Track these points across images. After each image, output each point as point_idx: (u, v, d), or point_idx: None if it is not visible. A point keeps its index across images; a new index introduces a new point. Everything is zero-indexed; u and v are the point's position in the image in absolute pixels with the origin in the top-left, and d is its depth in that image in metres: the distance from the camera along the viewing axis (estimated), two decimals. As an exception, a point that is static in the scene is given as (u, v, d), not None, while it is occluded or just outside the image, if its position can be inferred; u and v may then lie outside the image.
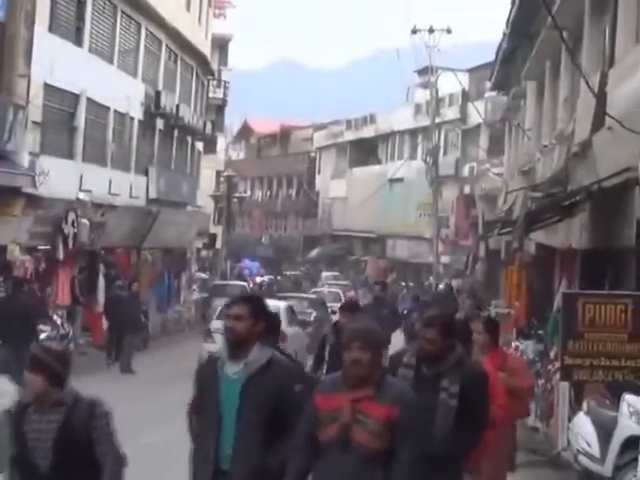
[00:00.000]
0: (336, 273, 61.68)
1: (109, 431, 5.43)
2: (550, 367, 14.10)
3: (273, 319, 7.61)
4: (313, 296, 34.83)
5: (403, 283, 53.04)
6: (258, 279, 50.09)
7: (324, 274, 59.72)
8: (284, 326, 21.31)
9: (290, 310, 23.91)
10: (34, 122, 22.62)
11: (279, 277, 55.03)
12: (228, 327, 5.88)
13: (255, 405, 5.69)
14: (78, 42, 26.21)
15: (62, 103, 25.26)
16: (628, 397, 10.03)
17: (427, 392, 6.27)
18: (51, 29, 23.96)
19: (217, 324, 20.03)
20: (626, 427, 9.81)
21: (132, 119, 31.18)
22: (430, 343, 6.48)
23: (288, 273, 58.88)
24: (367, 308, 18.18)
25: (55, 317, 22.27)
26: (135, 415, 14.47)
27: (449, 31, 44.68)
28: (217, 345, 18.69)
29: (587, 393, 12.07)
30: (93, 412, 5.39)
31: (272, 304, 22.47)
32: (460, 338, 8.73)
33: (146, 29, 32.34)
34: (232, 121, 73.98)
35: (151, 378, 21.75)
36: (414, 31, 44.39)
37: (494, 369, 8.07)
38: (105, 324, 25.01)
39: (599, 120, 14.35)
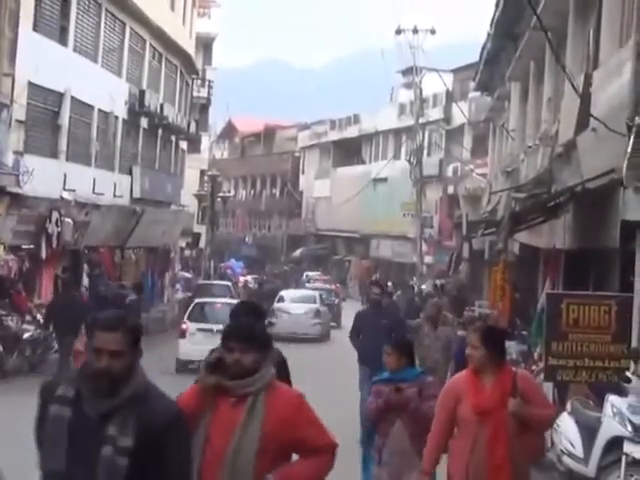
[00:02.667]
0: (318, 273, 61.68)
1: None
2: (534, 367, 14.13)
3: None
4: (335, 288, 48.36)
5: (390, 283, 52.94)
6: (242, 279, 50.02)
7: (308, 274, 59.65)
8: (319, 306, 34.48)
9: (320, 296, 36.44)
10: (18, 121, 22.56)
11: (265, 277, 54.91)
12: None
13: None
14: (62, 41, 26.15)
15: (46, 102, 25.18)
16: (612, 398, 10.06)
17: (90, 444, 4.01)
18: (35, 28, 23.90)
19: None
20: (610, 428, 9.84)
21: (116, 118, 31.11)
22: (112, 356, 4.07)
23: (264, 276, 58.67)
24: (361, 317, 14.84)
25: (39, 316, 22.12)
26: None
27: (433, 32, 44.71)
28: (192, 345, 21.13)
29: (571, 394, 12.11)
30: None
31: (308, 292, 37.79)
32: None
33: (130, 28, 32.30)
34: (216, 120, 73.82)
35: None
36: (398, 31, 44.40)
37: (503, 395, 6.37)
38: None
39: (583, 121, 14.40)
